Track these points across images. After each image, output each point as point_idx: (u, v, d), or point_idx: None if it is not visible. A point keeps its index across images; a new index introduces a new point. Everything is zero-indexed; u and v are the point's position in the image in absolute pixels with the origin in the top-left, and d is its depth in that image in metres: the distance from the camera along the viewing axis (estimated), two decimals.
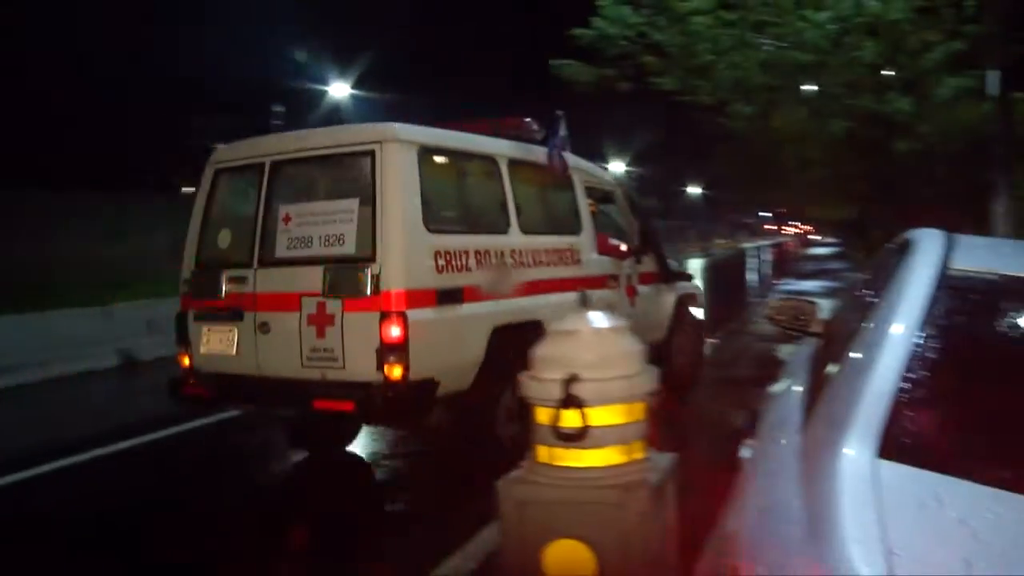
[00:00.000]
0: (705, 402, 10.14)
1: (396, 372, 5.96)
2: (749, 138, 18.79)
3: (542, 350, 3.54)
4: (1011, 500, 1.63)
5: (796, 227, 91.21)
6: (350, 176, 6.82)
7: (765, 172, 20.36)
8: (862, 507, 1.54)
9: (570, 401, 3.30)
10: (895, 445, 1.74)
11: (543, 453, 3.52)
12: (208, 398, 7.04)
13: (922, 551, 1.46)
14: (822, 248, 61.52)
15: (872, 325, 2.26)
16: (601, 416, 3.37)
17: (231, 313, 6.72)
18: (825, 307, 4.19)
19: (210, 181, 7.22)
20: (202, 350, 6.92)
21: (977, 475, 1.71)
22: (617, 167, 49.77)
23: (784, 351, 12.06)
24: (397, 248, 6.14)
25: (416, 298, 6.15)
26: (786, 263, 39.99)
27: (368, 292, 6.06)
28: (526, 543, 3.49)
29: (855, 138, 17.25)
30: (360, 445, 8.30)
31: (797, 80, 16.35)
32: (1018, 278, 2.43)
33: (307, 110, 32.01)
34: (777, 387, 3.43)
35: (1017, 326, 2.36)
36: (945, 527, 1.55)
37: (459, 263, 6.61)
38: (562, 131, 8.01)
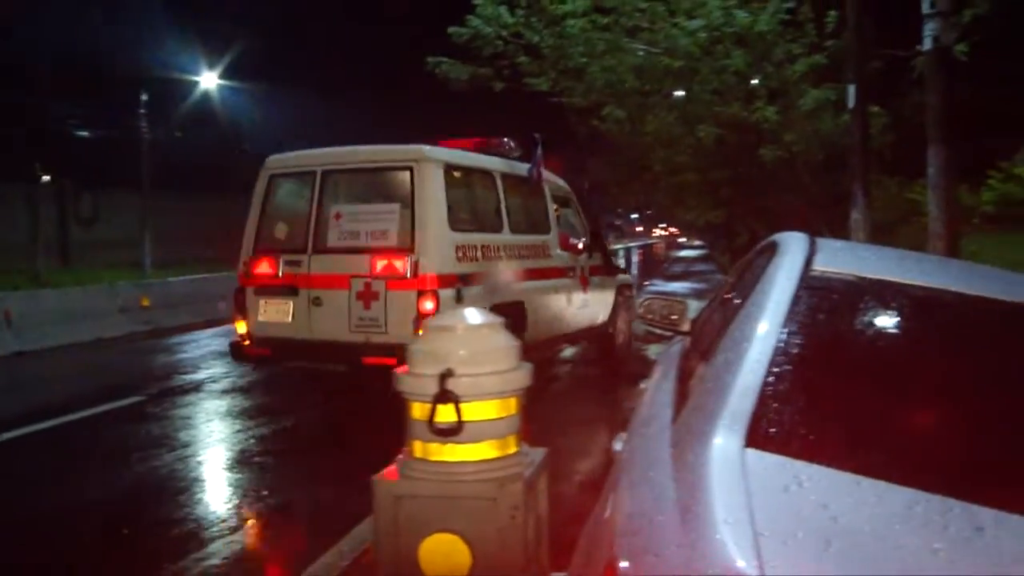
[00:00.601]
0: (578, 398, 10.40)
1: None
2: (620, 141, 19.13)
3: (417, 345, 3.55)
4: (865, 485, 1.73)
5: (664, 229, 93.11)
6: (392, 185, 8.61)
7: (635, 175, 20.73)
8: (731, 492, 1.62)
9: (445, 396, 3.32)
10: (762, 435, 1.83)
11: (418, 448, 3.52)
12: (269, 356, 8.76)
13: (786, 532, 1.54)
14: (689, 250, 63.02)
15: (740, 323, 2.37)
16: (476, 411, 3.40)
17: (287, 289, 8.49)
18: (693, 307, 4.31)
19: (265, 184, 9.01)
20: (260, 318, 8.66)
21: (836, 462, 1.81)
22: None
23: (652, 350, 12.37)
24: (431, 242, 8.05)
25: (444, 280, 8.05)
26: (654, 264, 40.78)
27: (408, 275, 7.92)
28: (401, 538, 3.49)
29: (723, 144, 17.76)
30: (234, 442, 8.17)
31: (668, 85, 16.73)
32: (874, 280, 2.58)
33: (174, 99, 31.21)
34: (647, 383, 3.52)
35: (872, 324, 2.50)
36: (807, 510, 1.63)
37: (471, 255, 8.56)
38: (539, 150, 10.17)
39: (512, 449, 3.56)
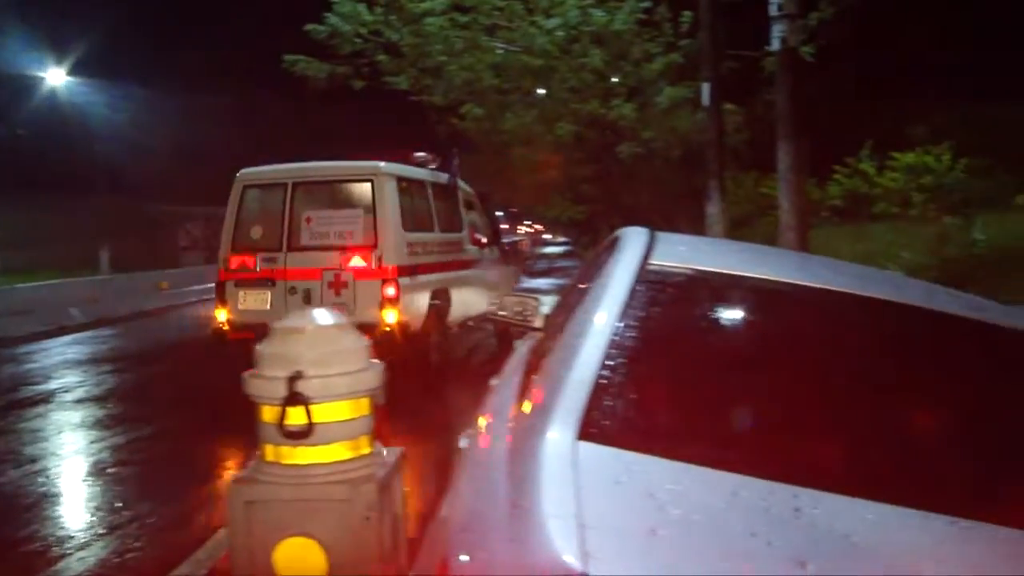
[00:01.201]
0: (434, 396, 10.42)
1: (391, 317, 9.66)
2: (480, 139, 19.20)
3: (265, 348, 3.50)
4: (694, 472, 1.79)
5: (529, 226, 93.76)
6: (355, 194, 10.31)
7: (497, 173, 20.85)
8: (561, 486, 1.64)
9: (295, 398, 3.29)
10: (595, 428, 1.86)
11: (270, 452, 3.48)
12: (252, 339, 9.38)
13: (612, 523, 1.57)
14: (554, 247, 63.58)
15: (578, 317, 2.41)
16: (326, 412, 3.37)
17: (265, 281, 10.05)
18: (549, 302, 4.35)
19: (239, 193, 10.48)
20: (240, 307, 10.11)
21: (667, 452, 1.86)
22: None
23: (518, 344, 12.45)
24: (390, 240, 9.87)
25: (401, 271, 9.89)
26: (519, 262, 40.97)
27: (374, 267, 9.76)
28: (255, 543, 3.44)
29: (582, 141, 18.00)
30: (88, 454, 7.89)
31: (527, 83, 16.87)
32: (708, 272, 2.66)
33: (18, 96, 29.80)
34: (496, 380, 3.54)
35: (705, 316, 2.57)
36: (635, 500, 1.67)
37: (416, 250, 10.44)
38: (456, 161, 12.52)
39: (365, 450, 3.55)
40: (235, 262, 10.27)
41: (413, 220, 10.67)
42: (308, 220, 10.16)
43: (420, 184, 11.37)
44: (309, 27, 15.62)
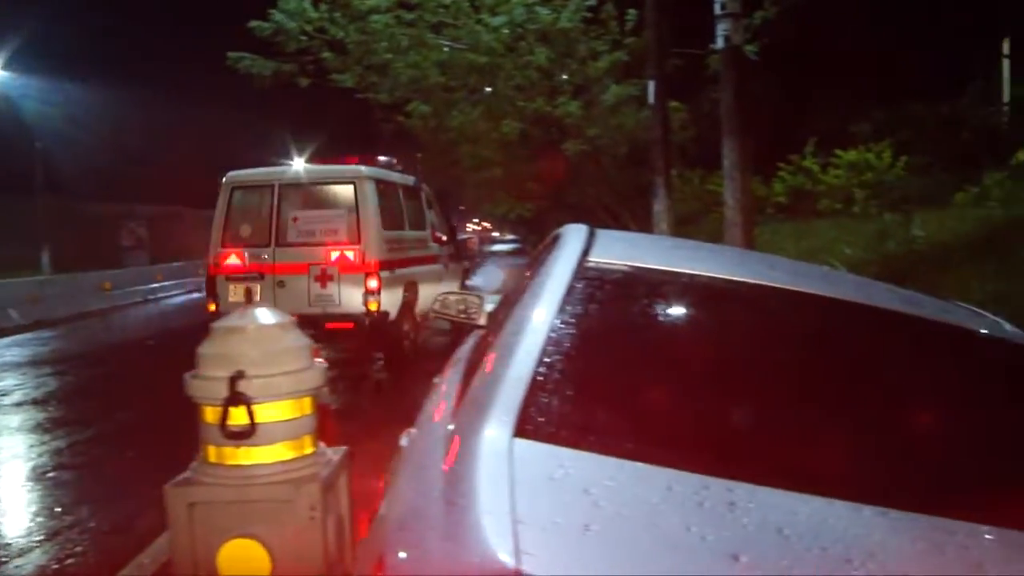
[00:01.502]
0: (378, 393, 10.54)
1: (373, 307, 10.67)
2: (426, 137, 19.13)
3: (206, 348, 3.47)
4: (628, 468, 1.80)
5: (477, 224, 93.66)
6: (338, 195, 11.29)
7: (444, 170, 20.76)
8: (496, 483, 1.65)
9: (236, 399, 3.26)
10: (531, 425, 1.87)
11: (212, 453, 3.45)
12: None
13: (547, 519, 1.58)
14: (502, 244, 63.47)
15: (517, 314, 2.41)
16: (268, 412, 3.35)
17: (255, 275, 10.88)
18: (494, 300, 4.35)
19: (228, 195, 11.28)
20: (230, 299, 10.74)
21: (603, 448, 1.87)
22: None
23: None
24: (372, 237, 10.89)
25: (382, 265, 10.87)
26: (468, 259, 40.75)
27: (358, 262, 10.73)
28: (198, 546, 3.41)
29: (528, 139, 18.00)
30: (27, 458, 7.76)
31: (472, 81, 16.84)
32: (645, 269, 2.68)
33: None
34: (438, 377, 3.54)
35: (642, 312, 2.58)
36: (570, 496, 1.68)
37: (393, 246, 11.45)
38: (419, 165, 14.49)
39: (308, 449, 3.53)
40: (225, 258, 11.10)
41: (389, 219, 11.59)
42: (295, 219, 11.10)
43: (393, 186, 12.36)
44: (253, 24, 15.48)
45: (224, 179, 11.44)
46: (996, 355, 2.68)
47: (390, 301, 11.08)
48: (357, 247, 10.76)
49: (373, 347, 12.02)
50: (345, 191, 11.17)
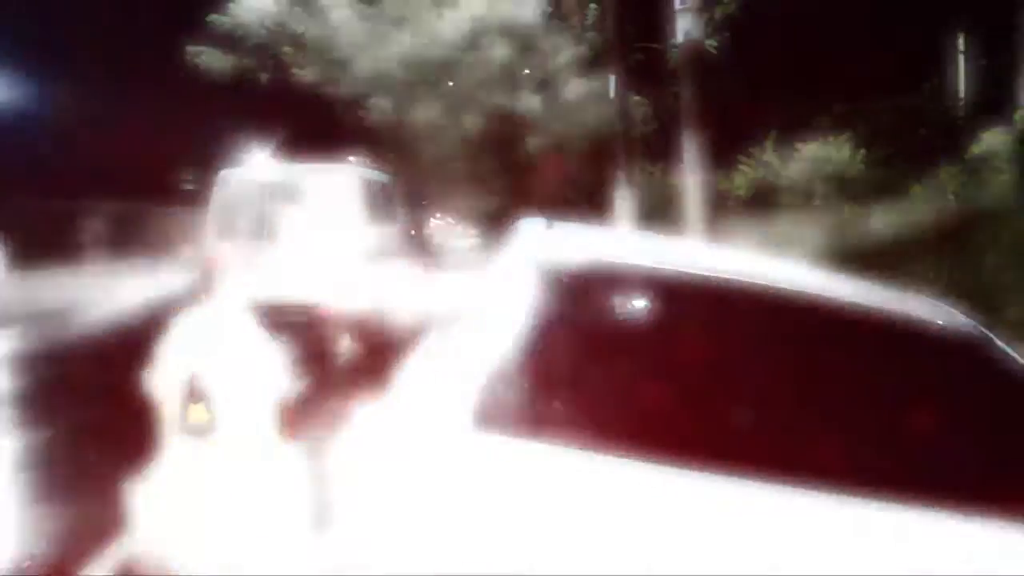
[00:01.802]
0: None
1: (363, 299, 10.82)
2: (387, 132, 19.05)
3: (166, 344, 3.45)
4: (578, 455, 1.83)
5: (439, 219, 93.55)
6: (329, 191, 11.77)
7: (406, 165, 20.67)
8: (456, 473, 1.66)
9: (196, 395, 3.24)
10: (488, 416, 1.89)
11: (172, 448, 3.43)
12: None
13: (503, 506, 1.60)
14: (464, 239, 63.42)
15: (473, 308, 2.42)
16: (229, 408, 3.33)
17: (246, 270, 9.60)
18: (456, 295, 4.34)
19: (221, 189, 11.75)
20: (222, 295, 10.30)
21: (557, 438, 1.90)
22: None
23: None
24: (360, 231, 11.56)
25: (369, 258, 11.37)
26: (431, 254, 40.65)
27: (347, 254, 11.12)
28: (159, 542, 3.40)
29: (490, 133, 17.98)
30: None
31: (433, 76, 16.80)
32: (601, 262, 2.68)
33: None
34: (400, 371, 3.54)
35: (597, 305, 2.59)
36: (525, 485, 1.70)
37: (377, 241, 11.98)
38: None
39: (271, 445, 3.51)
40: (219, 251, 10.95)
41: (373, 214, 12.29)
42: (287, 214, 11.64)
43: (375, 183, 13.19)
44: (212, 18, 15.37)
45: (218, 176, 11.95)
46: (950, 346, 2.71)
47: (378, 293, 11.52)
48: (347, 240, 11.34)
49: (355, 336, 11.95)
50: (335, 187, 11.79)
